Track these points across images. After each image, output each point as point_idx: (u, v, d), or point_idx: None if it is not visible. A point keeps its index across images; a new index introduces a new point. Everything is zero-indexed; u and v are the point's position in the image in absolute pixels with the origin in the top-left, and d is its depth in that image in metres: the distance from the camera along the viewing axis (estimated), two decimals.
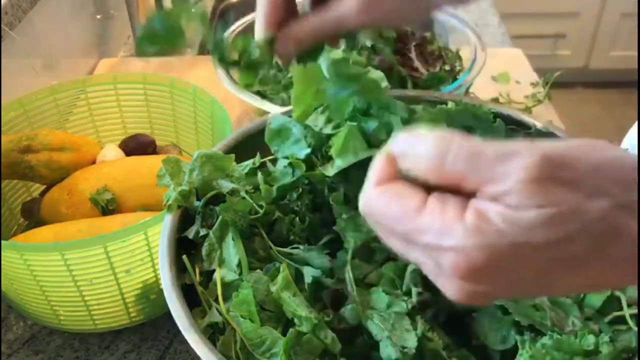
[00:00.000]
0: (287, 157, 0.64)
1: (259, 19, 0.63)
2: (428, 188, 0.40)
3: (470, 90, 1.15)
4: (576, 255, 0.37)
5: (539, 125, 0.72)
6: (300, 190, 0.63)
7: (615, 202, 0.37)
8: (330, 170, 0.59)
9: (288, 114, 0.69)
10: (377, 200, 0.41)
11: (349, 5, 0.59)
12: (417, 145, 0.40)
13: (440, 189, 0.40)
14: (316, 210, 0.64)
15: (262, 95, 1.09)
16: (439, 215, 0.38)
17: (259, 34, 0.63)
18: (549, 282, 0.39)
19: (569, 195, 0.36)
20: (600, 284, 0.41)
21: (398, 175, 0.41)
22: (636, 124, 0.94)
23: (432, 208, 0.39)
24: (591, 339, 0.54)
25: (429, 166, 0.39)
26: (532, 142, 0.38)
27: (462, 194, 0.39)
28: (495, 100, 1.26)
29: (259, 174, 0.64)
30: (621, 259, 0.38)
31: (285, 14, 0.62)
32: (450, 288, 0.40)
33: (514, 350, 0.57)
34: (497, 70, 1.37)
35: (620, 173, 0.38)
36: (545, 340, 0.54)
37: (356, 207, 0.62)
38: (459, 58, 1.16)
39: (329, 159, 0.61)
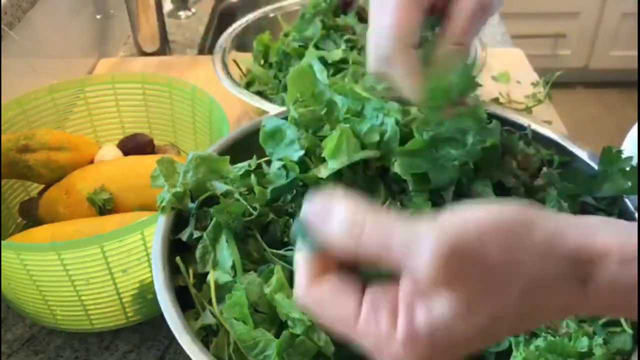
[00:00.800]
0: (281, 159, 0.64)
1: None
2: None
3: None
4: (506, 330, 0.40)
5: (534, 125, 0.72)
6: (295, 192, 0.63)
7: (524, 286, 0.38)
8: (324, 172, 0.59)
9: (282, 115, 0.69)
10: (312, 302, 0.42)
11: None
12: (330, 222, 0.40)
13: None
14: None
15: (262, 95, 1.09)
16: (374, 326, 0.39)
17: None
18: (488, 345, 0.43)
19: (476, 281, 0.38)
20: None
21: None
22: (636, 124, 0.94)
23: (366, 318, 0.40)
24: (585, 341, 0.54)
25: (344, 248, 0.40)
26: (443, 220, 0.38)
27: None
28: (496, 100, 1.26)
29: (252, 176, 0.64)
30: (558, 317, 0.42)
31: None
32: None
33: (509, 352, 0.57)
34: (497, 70, 1.36)
35: (531, 246, 0.38)
36: (539, 342, 0.54)
37: None
38: None
39: (322, 160, 0.61)
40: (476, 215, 0.39)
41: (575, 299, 0.40)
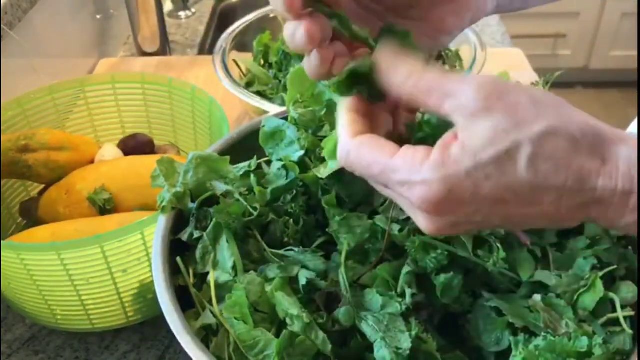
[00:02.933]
0: (281, 160, 0.64)
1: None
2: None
3: None
4: (521, 181, 0.43)
5: None
6: (295, 192, 0.63)
7: (555, 126, 0.42)
8: (323, 172, 0.60)
9: (282, 115, 0.69)
10: (355, 147, 0.47)
11: None
12: (399, 65, 0.47)
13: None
14: (310, 212, 0.64)
15: (262, 95, 1.09)
16: (410, 156, 0.44)
17: None
18: (506, 211, 0.45)
19: (507, 115, 0.42)
20: (555, 220, 0.46)
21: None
22: (635, 120, 0.94)
23: (404, 152, 0.45)
24: (585, 340, 0.54)
25: (405, 85, 0.46)
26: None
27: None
28: None
29: (252, 176, 0.64)
30: (566, 190, 0.44)
31: None
32: (422, 221, 0.46)
33: (509, 351, 0.57)
34: (497, 70, 1.36)
35: (559, 103, 0.44)
36: (539, 341, 0.54)
37: (350, 209, 0.62)
38: (459, 58, 1.16)
39: (322, 161, 0.61)
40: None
41: (594, 167, 0.43)
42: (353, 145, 0.47)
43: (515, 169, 0.43)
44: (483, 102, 0.43)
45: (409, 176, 0.44)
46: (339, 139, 0.48)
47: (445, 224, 0.46)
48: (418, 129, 0.51)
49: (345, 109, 0.50)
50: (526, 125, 0.42)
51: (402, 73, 0.47)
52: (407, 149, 0.45)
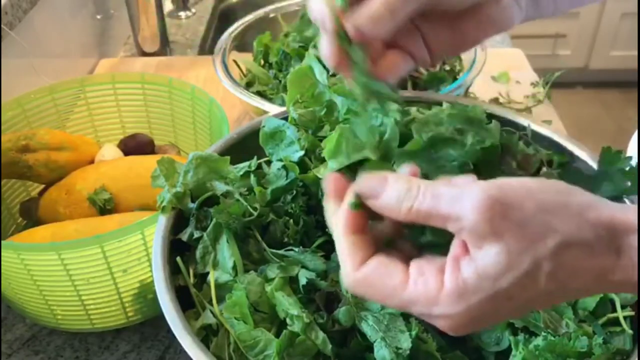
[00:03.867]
0: (281, 160, 0.64)
1: None
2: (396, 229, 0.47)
3: (470, 90, 1.15)
4: (543, 292, 0.42)
5: (534, 126, 0.72)
6: (295, 192, 0.63)
7: (567, 238, 0.41)
8: (323, 172, 0.60)
9: (282, 115, 0.69)
10: (361, 283, 0.45)
11: None
12: (386, 189, 0.45)
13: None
14: (310, 212, 0.64)
15: (262, 95, 1.09)
16: (422, 288, 0.43)
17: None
18: (526, 311, 0.46)
19: (518, 234, 0.41)
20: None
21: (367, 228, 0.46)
22: (636, 133, 0.94)
23: (414, 281, 0.43)
24: (585, 340, 0.54)
25: (399, 211, 0.44)
26: (484, 183, 0.42)
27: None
28: (495, 100, 1.26)
29: (252, 176, 0.64)
30: (587, 290, 0.44)
31: None
32: (443, 328, 0.45)
33: (508, 351, 0.57)
34: (497, 70, 1.37)
35: (568, 212, 0.42)
36: (539, 341, 0.54)
37: None
38: (459, 58, 1.16)
39: (322, 161, 0.61)
40: (514, 180, 0.43)
41: (610, 264, 0.42)
42: (360, 280, 0.45)
43: (536, 285, 0.42)
44: (489, 226, 0.41)
45: (428, 309, 0.43)
46: (342, 269, 0.46)
47: (466, 330, 0.45)
48: (420, 232, 0.48)
49: (343, 233, 0.46)
50: (539, 241, 0.41)
51: (392, 198, 0.45)
52: (418, 277, 0.43)
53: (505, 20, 0.58)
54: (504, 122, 0.70)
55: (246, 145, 0.71)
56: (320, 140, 0.62)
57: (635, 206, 0.43)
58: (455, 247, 0.43)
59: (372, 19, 0.51)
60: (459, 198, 0.42)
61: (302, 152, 0.63)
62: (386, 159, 0.61)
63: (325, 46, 0.53)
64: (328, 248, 0.62)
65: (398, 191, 0.44)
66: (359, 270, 0.45)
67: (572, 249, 0.41)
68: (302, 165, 0.63)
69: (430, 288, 0.43)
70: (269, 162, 0.67)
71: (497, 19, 0.58)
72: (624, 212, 0.43)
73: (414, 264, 0.44)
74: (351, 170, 0.61)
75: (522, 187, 0.42)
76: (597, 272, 0.42)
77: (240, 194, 0.63)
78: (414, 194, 0.44)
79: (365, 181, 0.46)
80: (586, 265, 0.42)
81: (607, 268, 0.42)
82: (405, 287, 0.43)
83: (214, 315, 0.58)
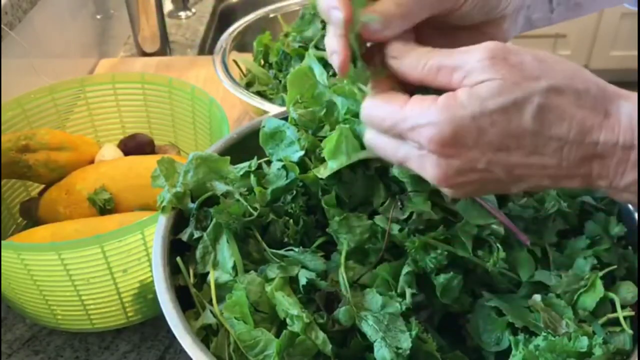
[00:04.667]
0: (281, 160, 0.64)
1: None
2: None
3: None
4: (525, 130, 0.46)
5: None
6: (295, 192, 0.63)
7: (558, 85, 0.45)
8: (323, 172, 0.59)
9: (282, 115, 0.69)
10: (371, 105, 0.51)
11: None
12: (405, 58, 0.51)
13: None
14: (310, 212, 0.64)
15: (262, 95, 1.09)
16: (418, 104, 0.48)
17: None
18: (508, 160, 0.47)
19: (516, 72, 0.45)
20: (556, 177, 0.49)
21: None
22: None
23: (413, 101, 0.48)
24: (585, 340, 0.54)
25: (417, 67, 0.50)
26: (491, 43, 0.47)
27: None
28: None
29: (252, 176, 0.64)
30: (569, 142, 0.46)
31: None
32: (430, 169, 0.49)
33: (509, 351, 0.57)
34: None
35: (562, 66, 0.46)
36: (539, 341, 0.54)
37: (350, 209, 0.62)
38: None
39: (322, 161, 0.61)
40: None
41: (597, 121, 0.46)
42: (370, 105, 0.51)
43: (520, 118, 0.45)
44: (489, 62, 0.46)
45: (417, 120, 0.47)
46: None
47: (451, 169, 0.48)
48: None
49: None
50: (533, 80, 0.45)
51: (412, 58, 0.50)
52: (416, 98, 0.48)
53: (500, 39, 0.59)
54: None
55: (246, 145, 0.71)
56: (320, 140, 0.62)
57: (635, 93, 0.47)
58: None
59: (384, 21, 0.52)
60: (467, 50, 0.47)
61: (302, 152, 0.62)
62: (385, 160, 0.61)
63: (335, 41, 0.53)
64: (328, 248, 0.62)
65: (419, 52, 0.50)
66: (372, 97, 0.52)
67: (562, 95, 0.45)
68: (302, 165, 0.63)
69: (424, 104, 0.48)
70: (269, 162, 0.67)
71: (494, 37, 0.61)
72: (616, 88, 0.47)
73: (415, 95, 0.49)
74: (351, 171, 0.61)
75: (521, 47, 0.47)
76: (581, 124, 0.45)
77: (240, 194, 0.63)
78: (430, 54, 0.49)
79: (396, 45, 0.52)
80: (572, 112, 0.45)
81: (592, 124, 0.45)
82: (404, 106, 0.49)
83: (214, 315, 0.57)
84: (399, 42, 0.52)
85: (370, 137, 0.53)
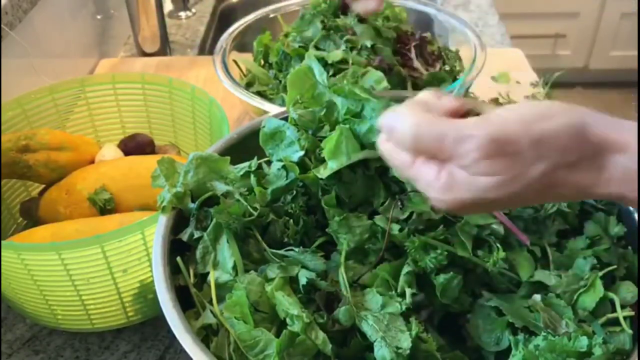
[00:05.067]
0: (281, 160, 0.64)
1: None
2: None
3: (470, 90, 1.15)
4: (527, 199, 0.51)
5: None
6: (295, 192, 0.63)
7: (553, 163, 0.48)
8: (323, 172, 0.60)
9: (282, 115, 0.69)
10: (385, 151, 0.54)
11: None
12: (397, 126, 0.51)
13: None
14: (310, 212, 0.64)
15: (262, 95, 1.09)
16: (424, 173, 0.51)
17: None
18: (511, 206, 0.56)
19: (513, 165, 0.47)
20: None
21: None
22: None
23: (418, 166, 0.51)
24: (584, 340, 0.54)
25: (408, 145, 0.51)
26: (483, 120, 0.49)
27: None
28: (495, 100, 1.26)
29: (252, 176, 0.64)
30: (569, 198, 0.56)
31: None
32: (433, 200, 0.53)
33: (508, 351, 0.57)
34: (497, 71, 1.37)
35: (557, 141, 0.47)
36: (539, 341, 0.54)
37: (349, 209, 0.62)
38: (459, 58, 1.16)
39: (322, 161, 0.61)
40: (513, 113, 0.49)
41: (591, 180, 0.49)
42: (385, 145, 0.53)
43: (521, 196, 0.49)
44: (486, 159, 0.48)
45: (425, 189, 0.52)
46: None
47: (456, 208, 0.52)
48: None
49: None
50: (531, 166, 0.48)
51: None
52: (421, 162, 0.51)
53: None
54: None
55: (246, 146, 0.71)
56: (320, 140, 0.62)
57: (634, 124, 0.49)
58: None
59: None
60: (461, 140, 0.48)
61: (302, 152, 0.63)
62: (385, 160, 0.61)
63: None
64: (328, 248, 0.62)
65: (408, 131, 0.51)
66: (386, 141, 0.54)
67: (558, 171, 0.48)
68: (302, 165, 0.63)
69: (429, 174, 0.50)
70: (269, 162, 0.67)
71: None
72: (619, 132, 0.48)
73: (423, 155, 0.51)
74: (351, 171, 0.61)
75: (520, 121, 0.48)
76: (578, 186, 0.49)
77: (241, 194, 0.63)
78: (419, 134, 0.50)
79: (385, 117, 0.53)
80: (569, 179, 0.48)
81: (589, 183, 0.49)
82: (411, 167, 0.52)
83: (214, 315, 0.58)
84: (389, 117, 0.53)
85: (388, 149, 0.55)
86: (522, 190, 0.48)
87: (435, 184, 0.50)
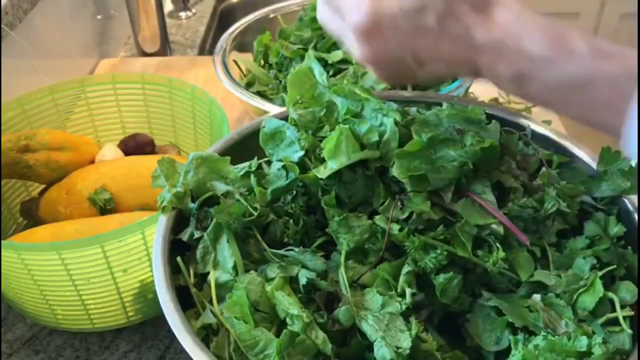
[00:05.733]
0: (281, 160, 0.64)
1: None
2: None
3: (470, 90, 1.15)
4: (430, 28, 0.61)
5: (533, 126, 0.73)
6: (295, 192, 0.63)
7: None
8: (323, 172, 0.60)
9: (282, 115, 0.69)
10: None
11: None
12: None
13: None
14: (310, 212, 0.64)
15: (262, 95, 1.09)
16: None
17: None
18: (414, 46, 0.63)
19: None
20: (451, 63, 0.64)
21: None
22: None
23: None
24: (584, 340, 0.54)
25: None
26: None
27: None
28: (495, 100, 1.26)
29: (252, 176, 0.64)
30: (458, 38, 0.61)
31: None
32: (355, 48, 0.64)
33: (508, 351, 0.57)
34: None
35: None
36: (538, 341, 0.54)
37: (349, 209, 0.62)
38: None
39: (322, 161, 0.61)
40: None
41: (478, 20, 0.60)
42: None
43: (427, 19, 0.60)
44: None
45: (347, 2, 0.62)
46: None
47: (371, 51, 0.63)
48: None
49: None
50: None
51: None
52: None
53: None
54: (504, 122, 0.71)
55: (246, 145, 0.71)
56: (320, 141, 0.62)
57: None
58: None
59: None
60: None
61: (302, 152, 0.63)
62: (385, 159, 0.61)
63: None
64: (328, 248, 0.62)
65: None
66: None
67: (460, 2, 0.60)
68: (302, 165, 0.63)
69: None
70: (269, 162, 0.67)
71: None
72: None
73: None
74: (351, 171, 0.61)
75: None
76: (467, 25, 0.60)
77: (241, 194, 0.63)
78: None
79: None
80: (463, 16, 0.60)
81: (476, 22, 0.60)
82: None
83: (214, 315, 0.58)
84: None
85: (325, 17, 0.66)
86: (431, 8, 0.59)
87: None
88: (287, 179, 0.63)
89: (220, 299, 0.58)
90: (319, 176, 0.60)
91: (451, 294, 0.59)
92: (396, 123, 0.61)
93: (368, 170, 0.62)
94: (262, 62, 1.20)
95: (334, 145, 0.58)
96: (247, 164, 0.67)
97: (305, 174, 0.62)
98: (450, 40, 0.61)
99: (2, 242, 0.72)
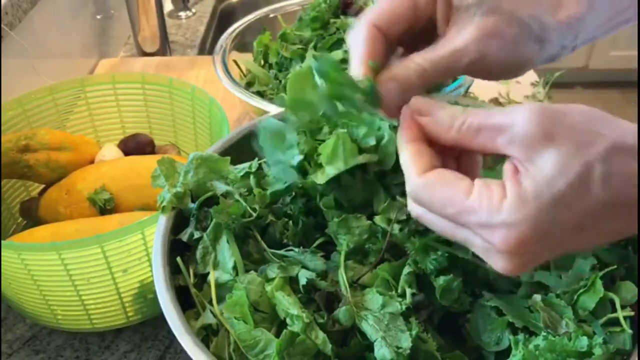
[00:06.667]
0: (280, 162, 0.64)
1: (355, 58, 0.54)
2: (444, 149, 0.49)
3: (470, 90, 1.15)
4: (599, 202, 0.43)
5: None
6: (294, 194, 0.63)
7: (609, 145, 0.42)
8: (321, 178, 0.59)
9: (281, 116, 0.69)
10: (425, 187, 0.46)
11: (466, 35, 0.53)
12: (440, 109, 0.48)
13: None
14: (309, 213, 0.64)
15: (262, 95, 1.09)
16: (487, 196, 0.43)
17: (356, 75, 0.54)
18: (582, 237, 0.45)
19: (568, 137, 0.42)
20: (619, 231, 0.46)
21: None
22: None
23: (479, 191, 0.44)
24: (585, 340, 0.53)
25: (452, 126, 0.46)
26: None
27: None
28: (495, 100, 1.26)
29: (252, 178, 0.64)
30: (629, 202, 0.44)
31: (385, 52, 0.55)
32: (500, 262, 0.45)
33: (508, 351, 0.57)
34: None
35: (610, 120, 0.44)
36: (539, 341, 0.54)
37: (349, 210, 0.62)
38: None
39: (321, 165, 0.61)
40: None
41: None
42: (423, 185, 0.46)
43: (589, 191, 0.42)
44: (539, 130, 0.42)
45: (489, 218, 0.43)
46: (406, 176, 0.48)
47: (524, 261, 0.45)
48: None
49: (406, 140, 0.49)
50: (590, 145, 0.42)
51: (445, 116, 0.47)
52: (482, 187, 0.44)
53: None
54: None
55: (246, 146, 0.71)
56: (320, 143, 0.62)
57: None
58: (507, 170, 0.44)
59: (402, 88, 0.52)
60: (510, 112, 0.44)
61: (301, 157, 0.62)
62: (384, 163, 0.61)
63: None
64: (328, 248, 0.62)
65: (453, 110, 0.47)
66: (423, 176, 0.46)
67: (621, 154, 0.42)
68: (301, 168, 0.63)
69: (493, 197, 0.43)
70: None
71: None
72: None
73: (479, 179, 0.45)
74: (350, 175, 0.61)
75: (566, 105, 0.44)
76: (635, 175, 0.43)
77: (240, 195, 0.63)
78: (467, 113, 0.46)
79: (422, 100, 0.49)
80: (630, 167, 0.42)
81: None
82: (469, 195, 0.44)
83: (214, 315, 0.58)
84: (425, 98, 0.49)
85: (421, 214, 0.48)
86: (587, 174, 0.42)
87: (503, 204, 0.43)
88: (286, 182, 0.63)
89: (220, 299, 0.58)
90: (317, 182, 0.60)
91: (451, 297, 0.59)
92: (393, 127, 0.60)
93: (367, 174, 0.62)
94: (262, 62, 1.20)
95: (331, 151, 0.58)
96: (247, 164, 0.67)
97: (304, 176, 0.62)
98: (626, 207, 0.44)
99: (2, 242, 0.72)
